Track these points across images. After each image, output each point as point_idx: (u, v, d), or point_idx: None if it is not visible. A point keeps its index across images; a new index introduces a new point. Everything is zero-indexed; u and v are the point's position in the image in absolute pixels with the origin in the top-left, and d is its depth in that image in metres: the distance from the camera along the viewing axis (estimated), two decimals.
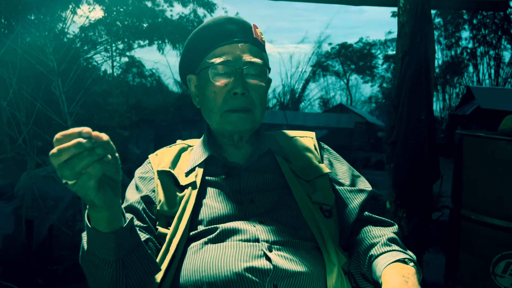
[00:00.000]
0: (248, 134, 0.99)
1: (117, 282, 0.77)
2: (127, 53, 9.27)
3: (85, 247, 0.74)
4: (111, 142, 0.63)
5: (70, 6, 5.32)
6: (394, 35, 9.11)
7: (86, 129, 0.59)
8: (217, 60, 0.93)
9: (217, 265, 0.80)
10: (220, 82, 0.93)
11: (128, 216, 0.76)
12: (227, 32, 0.96)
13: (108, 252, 0.73)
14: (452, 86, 24.17)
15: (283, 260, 0.81)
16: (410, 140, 2.39)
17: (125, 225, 0.73)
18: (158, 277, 0.84)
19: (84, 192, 0.64)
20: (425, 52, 2.39)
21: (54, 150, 0.59)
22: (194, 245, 0.86)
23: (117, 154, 0.65)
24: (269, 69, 0.98)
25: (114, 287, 0.77)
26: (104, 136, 0.62)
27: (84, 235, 0.75)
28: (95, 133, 0.61)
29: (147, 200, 0.93)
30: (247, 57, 0.94)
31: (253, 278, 0.78)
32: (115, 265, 0.75)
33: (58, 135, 0.59)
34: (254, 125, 0.96)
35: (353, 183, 1.01)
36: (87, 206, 0.70)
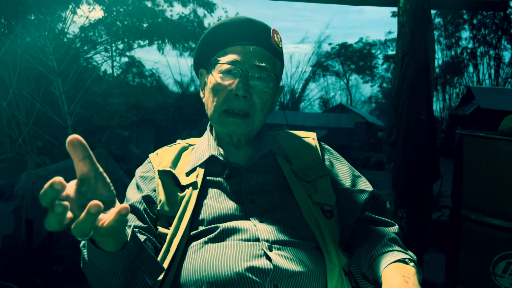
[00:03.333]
0: (246, 137, 0.98)
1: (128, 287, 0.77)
2: (127, 53, 9.29)
3: (89, 261, 0.72)
4: (93, 158, 0.57)
5: (70, 6, 5.32)
6: (394, 35, 9.11)
7: (57, 180, 0.51)
8: (226, 59, 0.94)
9: (218, 264, 0.80)
10: (225, 81, 0.93)
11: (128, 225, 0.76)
12: (242, 33, 0.95)
13: (116, 266, 0.73)
14: (452, 86, 24.17)
15: (283, 260, 0.81)
16: (410, 140, 2.39)
17: (129, 238, 0.72)
18: (159, 276, 0.84)
19: (107, 234, 0.60)
20: (425, 52, 2.39)
21: (50, 209, 0.51)
22: (195, 244, 0.86)
23: (104, 174, 0.60)
24: (277, 75, 0.97)
25: None
26: (73, 141, 0.54)
27: (84, 250, 0.73)
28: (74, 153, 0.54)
29: (148, 200, 0.93)
30: (256, 61, 0.93)
31: (254, 277, 0.78)
32: (123, 275, 0.75)
33: (40, 193, 0.51)
34: (250, 130, 0.95)
35: (353, 184, 1.01)
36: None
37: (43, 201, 0.51)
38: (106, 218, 0.56)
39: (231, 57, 0.93)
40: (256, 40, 0.95)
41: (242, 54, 0.93)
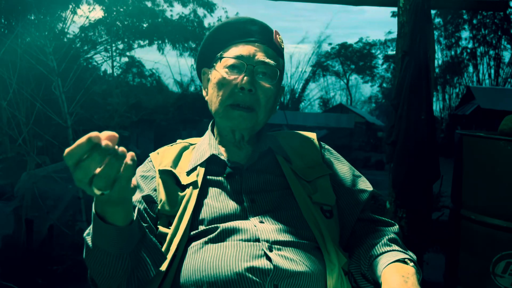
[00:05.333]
0: (249, 133, 0.98)
1: (130, 275, 0.77)
2: (127, 53, 9.28)
3: (94, 247, 0.73)
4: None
5: (70, 6, 5.32)
6: (394, 35, 9.12)
7: (93, 134, 0.55)
8: (232, 54, 0.95)
9: (218, 265, 0.80)
10: (230, 76, 0.94)
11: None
12: (246, 31, 0.97)
13: (123, 247, 0.73)
14: (452, 86, 24.14)
15: (283, 260, 0.81)
16: (410, 140, 2.39)
17: (135, 216, 0.73)
18: (159, 276, 0.84)
19: (121, 195, 0.63)
20: (425, 52, 2.39)
21: (77, 166, 0.56)
22: (195, 244, 0.86)
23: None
24: (280, 72, 0.98)
25: (126, 281, 0.77)
26: (109, 134, 0.58)
27: (88, 237, 0.74)
28: (103, 134, 0.58)
29: (148, 199, 0.93)
30: (261, 57, 0.95)
31: (254, 278, 0.78)
32: (129, 258, 0.75)
33: (67, 151, 0.56)
34: (254, 124, 0.96)
35: (354, 183, 1.01)
36: (96, 206, 0.68)
37: (72, 157, 0.55)
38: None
39: (237, 52, 0.95)
40: (260, 38, 0.97)
41: (247, 50, 0.95)
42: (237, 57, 0.94)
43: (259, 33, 0.98)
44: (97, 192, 0.59)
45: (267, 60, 0.95)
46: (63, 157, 0.56)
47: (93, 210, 0.69)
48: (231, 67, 0.94)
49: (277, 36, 1.00)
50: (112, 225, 0.69)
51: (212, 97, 0.97)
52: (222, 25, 0.99)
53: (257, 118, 0.95)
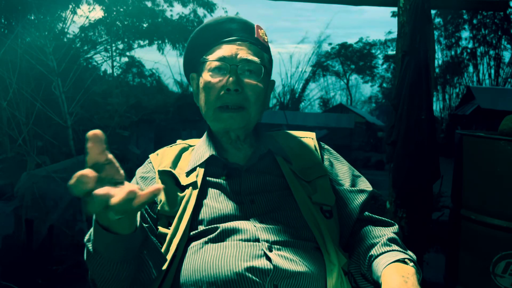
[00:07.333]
0: (243, 132, 0.98)
1: (134, 279, 0.77)
2: (127, 53, 9.28)
3: (96, 254, 0.72)
4: (103, 146, 0.59)
5: (70, 6, 5.32)
6: (394, 35, 9.12)
7: (84, 173, 0.55)
8: (214, 56, 0.95)
9: (217, 264, 0.80)
10: (215, 78, 0.94)
11: None
12: (227, 30, 0.97)
13: (128, 253, 0.73)
14: (452, 86, 24.13)
15: (283, 260, 0.81)
16: (410, 140, 2.39)
17: (138, 222, 0.72)
18: (159, 277, 0.84)
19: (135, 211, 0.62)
20: (425, 52, 2.39)
21: (87, 198, 0.56)
22: (194, 244, 0.86)
23: (110, 156, 0.61)
24: (266, 67, 0.98)
25: (129, 284, 0.77)
26: (93, 135, 0.58)
27: (89, 244, 0.73)
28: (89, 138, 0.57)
29: None
30: (244, 55, 0.94)
31: (254, 278, 0.78)
32: (132, 262, 0.75)
33: (71, 184, 0.55)
34: (247, 123, 0.96)
35: (353, 184, 1.01)
36: (98, 217, 0.67)
37: (78, 190, 0.55)
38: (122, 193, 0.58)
39: (219, 53, 0.94)
40: (241, 36, 0.97)
41: (229, 50, 0.94)
42: (220, 59, 0.94)
43: (240, 30, 0.97)
44: (114, 217, 0.59)
45: (251, 57, 0.94)
46: (68, 186, 0.56)
47: (94, 219, 0.68)
48: (216, 70, 0.94)
49: (259, 30, 0.99)
50: (116, 235, 0.68)
51: (202, 102, 0.97)
52: (202, 29, 0.99)
53: (249, 116, 0.95)
